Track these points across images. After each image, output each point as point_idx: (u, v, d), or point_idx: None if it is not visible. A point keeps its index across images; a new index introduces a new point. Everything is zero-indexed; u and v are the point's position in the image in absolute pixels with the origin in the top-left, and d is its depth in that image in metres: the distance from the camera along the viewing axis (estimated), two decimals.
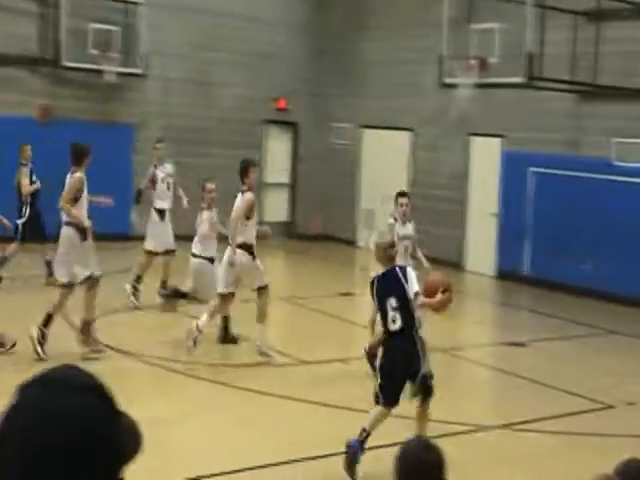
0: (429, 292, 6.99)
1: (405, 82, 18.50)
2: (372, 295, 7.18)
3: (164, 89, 18.84)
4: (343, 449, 7.29)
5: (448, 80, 15.60)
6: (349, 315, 12.83)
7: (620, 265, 14.25)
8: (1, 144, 15.56)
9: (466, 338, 12.27)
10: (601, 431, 8.22)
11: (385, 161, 18.94)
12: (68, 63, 17.14)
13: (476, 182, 17.07)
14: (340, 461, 6.96)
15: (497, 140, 16.59)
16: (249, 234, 10.02)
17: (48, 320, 9.54)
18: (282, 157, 20.67)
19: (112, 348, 10.18)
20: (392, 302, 6.95)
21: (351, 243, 19.44)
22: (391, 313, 6.94)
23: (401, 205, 10.16)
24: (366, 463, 6.76)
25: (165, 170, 12.98)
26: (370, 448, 6.83)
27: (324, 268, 17.20)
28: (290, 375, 9.88)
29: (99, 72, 17.35)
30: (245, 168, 10.31)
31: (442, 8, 15.40)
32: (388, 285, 7.05)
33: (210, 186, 11.14)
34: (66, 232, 9.71)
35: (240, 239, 9.87)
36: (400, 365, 6.96)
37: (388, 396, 6.90)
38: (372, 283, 7.20)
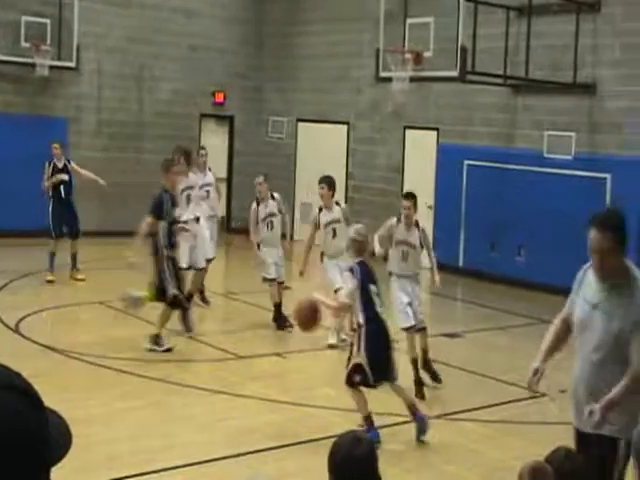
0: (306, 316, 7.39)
1: (341, 76, 18.58)
2: (355, 279, 7.54)
3: (98, 83, 18.63)
4: (281, 443, 7.36)
5: (384, 74, 15.72)
6: (285, 309, 12.85)
7: (553, 255, 14.52)
8: None
9: (401, 330, 12.37)
10: (534, 419, 8.39)
11: (322, 155, 18.99)
12: (0, 56, 16.85)
13: (412, 175, 17.23)
14: (282, 454, 7.04)
15: (432, 133, 16.77)
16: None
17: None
18: (218, 151, 20.59)
19: (45, 346, 10.07)
20: (373, 288, 7.54)
21: (288, 237, 19.45)
22: (375, 298, 7.53)
23: (403, 208, 9.38)
24: None
25: (205, 179, 12.59)
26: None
27: None
28: (226, 370, 9.88)
29: (32, 65, 17.09)
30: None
31: (378, 2, 15.51)
32: (368, 273, 7.63)
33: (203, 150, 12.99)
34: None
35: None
36: (385, 345, 7.54)
37: (365, 375, 7.39)
38: (352, 270, 7.61)
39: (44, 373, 8.20)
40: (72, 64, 17.75)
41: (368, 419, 7.45)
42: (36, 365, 8.73)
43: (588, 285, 4.74)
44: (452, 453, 7.48)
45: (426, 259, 9.83)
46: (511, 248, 15.32)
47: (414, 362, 9.08)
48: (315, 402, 8.55)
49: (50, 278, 13.63)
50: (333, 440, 3.55)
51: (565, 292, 15.82)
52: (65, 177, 13.93)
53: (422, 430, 7.57)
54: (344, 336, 10.68)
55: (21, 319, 11.10)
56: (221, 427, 7.84)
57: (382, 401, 8.67)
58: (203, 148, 13.08)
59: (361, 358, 7.43)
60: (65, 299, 12.72)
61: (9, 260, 14.92)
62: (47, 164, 13.96)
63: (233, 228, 20.45)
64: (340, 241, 10.53)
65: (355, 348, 7.59)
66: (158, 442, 7.36)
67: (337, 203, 11.17)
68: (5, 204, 16.45)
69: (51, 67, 17.33)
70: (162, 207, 10.06)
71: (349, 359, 7.91)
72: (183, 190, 11.85)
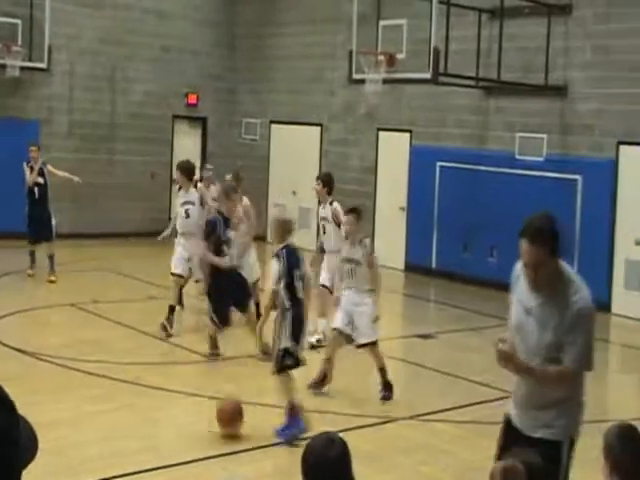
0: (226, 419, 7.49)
1: (315, 77, 18.60)
2: (282, 265, 7.59)
3: (70, 84, 18.50)
4: (257, 444, 7.34)
5: (357, 76, 15.71)
6: (259, 309, 12.83)
7: None
8: None
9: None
10: None
11: (295, 156, 18.99)
12: None
13: (385, 177, 17.27)
14: (258, 456, 7.03)
15: (406, 135, 16.82)
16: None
17: None
18: (191, 153, 20.50)
19: (14, 348, 9.98)
20: (297, 273, 7.61)
21: (262, 239, 19.41)
22: (297, 283, 7.60)
23: (345, 224, 9.21)
24: None
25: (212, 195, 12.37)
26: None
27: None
28: (199, 372, 9.85)
29: (2, 66, 16.93)
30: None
31: (351, 4, 15.51)
32: (294, 258, 7.66)
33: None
34: None
35: None
36: (303, 329, 7.76)
37: (295, 358, 7.60)
38: (278, 255, 7.62)
39: (14, 376, 8.12)
40: (43, 65, 17.60)
41: (293, 407, 7.47)
42: (6, 368, 8.66)
43: (522, 286, 4.58)
44: (425, 454, 7.50)
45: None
46: (483, 249, 15.39)
47: (327, 362, 8.97)
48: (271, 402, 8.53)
49: (30, 272, 14.05)
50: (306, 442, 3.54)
51: None
52: (40, 180, 14.06)
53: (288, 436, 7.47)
54: (317, 337, 10.68)
55: None
56: (194, 430, 7.80)
57: (355, 402, 8.69)
58: (206, 164, 13.04)
59: (288, 342, 7.55)
60: (36, 301, 12.63)
61: None
62: (25, 164, 14.10)
63: None
64: (329, 239, 10.78)
65: (279, 333, 7.64)
66: (129, 445, 7.31)
67: (331, 202, 11.10)
68: None
69: (22, 68, 17.18)
70: (215, 230, 9.92)
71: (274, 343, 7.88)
72: (182, 204, 11.57)
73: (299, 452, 3.46)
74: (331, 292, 10.60)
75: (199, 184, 12.05)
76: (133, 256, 13.71)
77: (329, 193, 11.11)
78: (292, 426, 7.42)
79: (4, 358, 9.52)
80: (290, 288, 7.59)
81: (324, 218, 11.04)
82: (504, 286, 16.21)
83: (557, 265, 4.42)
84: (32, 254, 14.10)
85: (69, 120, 18.52)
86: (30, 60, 17.40)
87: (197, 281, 11.69)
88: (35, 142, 14.72)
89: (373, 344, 8.92)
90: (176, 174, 11.84)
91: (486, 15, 14.90)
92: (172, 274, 11.25)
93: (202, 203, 11.56)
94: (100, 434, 7.51)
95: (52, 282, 13.73)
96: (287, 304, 7.59)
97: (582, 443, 4.67)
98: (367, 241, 9.11)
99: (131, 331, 11.15)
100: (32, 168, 14.01)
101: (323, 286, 10.77)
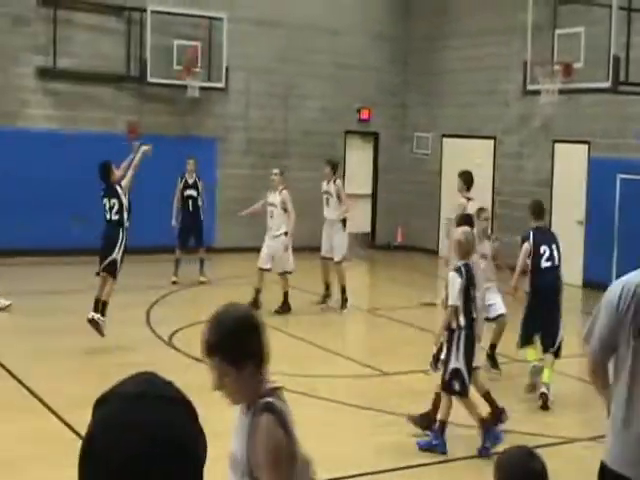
0: None
1: (488, 90, 18.32)
2: (462, 280, 7.52)
3: (246, 102, 19.04)
4: (430, 460, 7.24)
5: (532, 87, 15.36)
6: (431, 325, 12.72)
7: None
8: (88, 159, 15.94)
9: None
10: None
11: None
12: (153, 79, 17.46)
13: (561, 190, 16.77)
14: (429, 472, 6.93)
15: (583, 147, 16.28)
16: None
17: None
18: (363, 168, 20.65)
19: (197, 359, 10.29)
20: (473, 292, 7.59)
21: (433, 253, 19.28)
22: (472, 303, 7.54)
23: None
24: None
25: (271, 198, 13.46)
26: None
27: (406, 278, 17.10)
28: (370, 386, 9.82)
29: (183, 87, 17.64)
30: None
31: (525, 14, 15.19)
32: (472, 276, 7.58)
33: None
34: None
35: None
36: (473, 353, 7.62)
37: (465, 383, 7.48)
38: (460, 270, 7.54)
39: (195, 386, 8.35)
40: (221, 85, 18.21)
41: (441, 427, 7.44)
42: (187, 377, 8.92)
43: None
44: None
45: None
46: None
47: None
48: (460, 420, 8.38)
49: (174, 279, 14.78)
50: (498, 456, 3.45)
51: None
52: (193, 193, 14.99)
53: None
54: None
55: (174, 332, 11.40)
56: (373, 442, 7.79)
57: (538, 422, 8.42)
58: (277, 169, 13.82)
59: (459, 364, 7.42)
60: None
61: (160, 276, 15.35)
62: (179, 179, 15.04)
63: (378, 245, 20.47)
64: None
65: (451, 352, 7.50)
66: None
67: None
68: (161, 223, 17.03)
69: (201, 88, 17.84)
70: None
71: (436, 359, 7.75)
72: (323, 193, 13.79)
73: (490, 465, 3.37)
74: None
75: (285, 190, 13.27)
76: (302, 270, 13.89)
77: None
78: (435, 441, 7.43)
79: (187, 367, 9.78)
80: (467, 306, 7.51)
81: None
82: None
83: None
84: (177, 262, 14.83)
85: (245, 137, 19.05)
86: (209, 80, 18.06)
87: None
88: (193, 155, 15.48)
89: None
90: (326, 168, 13.67)
91: None
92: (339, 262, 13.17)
93: (284, 208, 13.04)
94: None
95: (203, 283, 14.81)
96: (462, 322, 7.48)
97: None
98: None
99: (302, 343, 11.31)
100: (185, 181, 14.93)
101: None
